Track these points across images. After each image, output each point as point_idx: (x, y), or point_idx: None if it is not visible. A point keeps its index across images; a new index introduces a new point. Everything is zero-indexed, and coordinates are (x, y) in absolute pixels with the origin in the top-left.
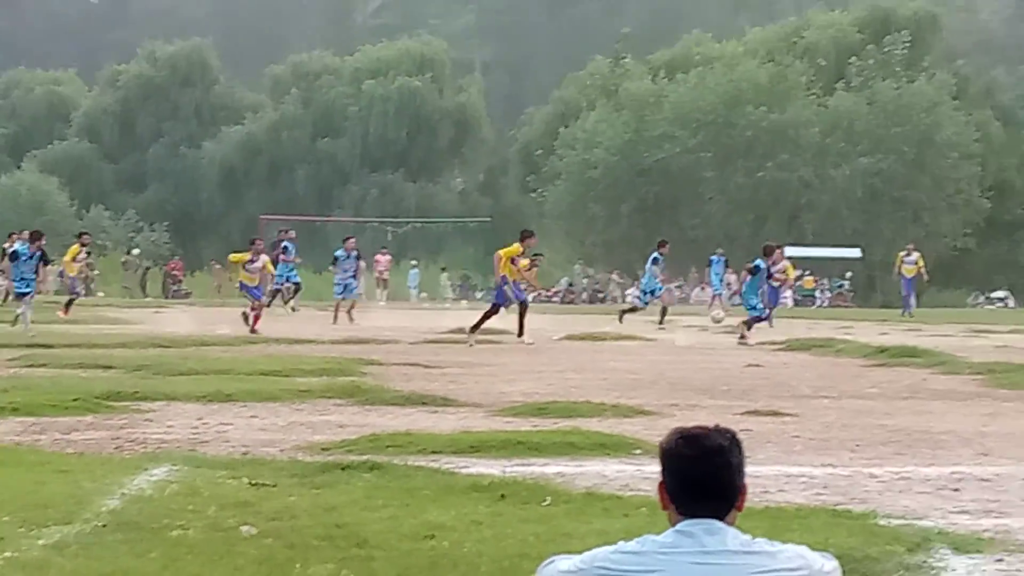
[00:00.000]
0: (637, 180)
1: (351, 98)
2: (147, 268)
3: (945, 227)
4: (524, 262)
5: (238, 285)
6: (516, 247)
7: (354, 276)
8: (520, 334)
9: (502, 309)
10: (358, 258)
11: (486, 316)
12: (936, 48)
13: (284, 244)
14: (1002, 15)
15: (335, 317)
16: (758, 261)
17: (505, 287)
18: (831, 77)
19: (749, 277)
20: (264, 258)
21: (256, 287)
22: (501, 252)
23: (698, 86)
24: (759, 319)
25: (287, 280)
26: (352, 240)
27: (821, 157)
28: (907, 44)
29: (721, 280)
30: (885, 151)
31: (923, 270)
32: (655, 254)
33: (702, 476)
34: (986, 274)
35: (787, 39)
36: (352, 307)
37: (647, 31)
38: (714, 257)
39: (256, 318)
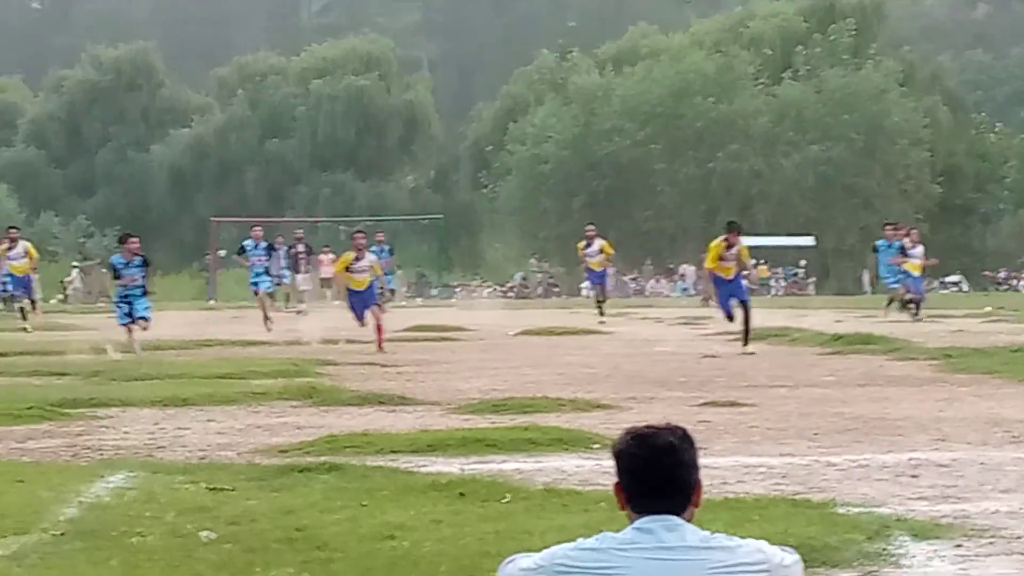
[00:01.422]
0: (588, 173)
1: (299, 98)
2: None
3: (897, 213)
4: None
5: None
6: (720, 243)
7: (266, 270)
8: (745, 342)
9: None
10: (269, 248)
11: (746, 322)
12: (882, 35)
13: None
14: (946, 1)
15: (264, 317)
16: (878, 241)
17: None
18: (778, 66)
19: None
20: (371, 256)
21: (365, 290)
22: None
23: (646, 79)
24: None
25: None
26: (258, 229)
27: (771, 146)
28: (853, 32)
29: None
30: (835, 139)
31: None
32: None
33: (655, 475)
34: (939, 259)
35: (733, 29)
36: (267, 304)
37: (593, 24)
38: None
39: (379, 328)
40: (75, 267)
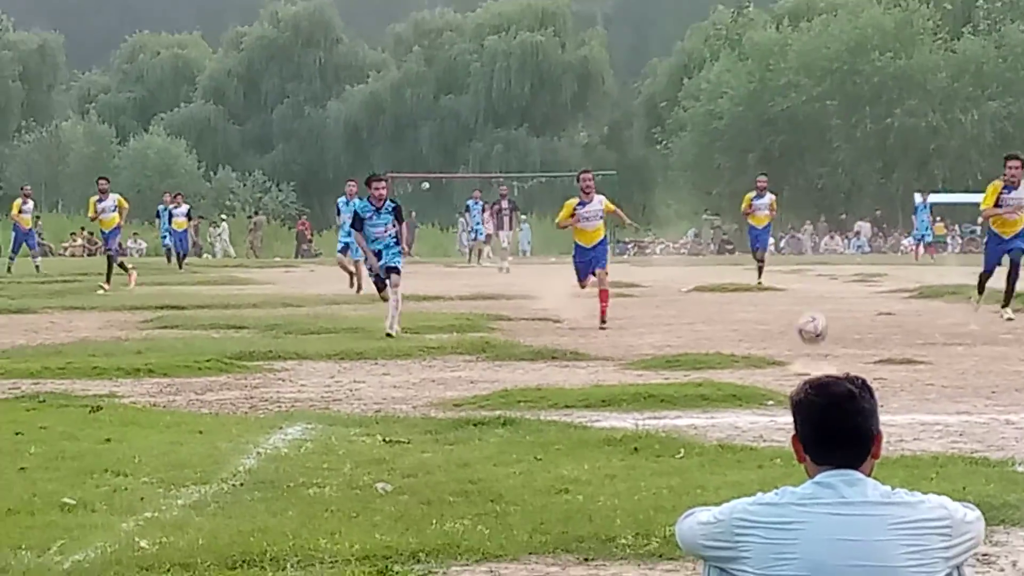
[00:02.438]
0: (763, 130)
1: (474, 54)
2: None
3: None
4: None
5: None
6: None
7: (481, 223)
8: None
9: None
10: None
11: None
12: None
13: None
14: None
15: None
16: None
17: None
18: (958, 21)
19: None
20: (600, 198)
21: (594, 247)
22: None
23: (822, 33)
24: None
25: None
26: (478, 191)
27: (949, 102)
28: None
29: (928, 227)
30: (1015, 94)
31: None
32: None
33: (834, 424)
34: None
35: None
36: (480, 250)
37: None
38: (919, 204)
39: (604, 295)
40: (223, 219)
